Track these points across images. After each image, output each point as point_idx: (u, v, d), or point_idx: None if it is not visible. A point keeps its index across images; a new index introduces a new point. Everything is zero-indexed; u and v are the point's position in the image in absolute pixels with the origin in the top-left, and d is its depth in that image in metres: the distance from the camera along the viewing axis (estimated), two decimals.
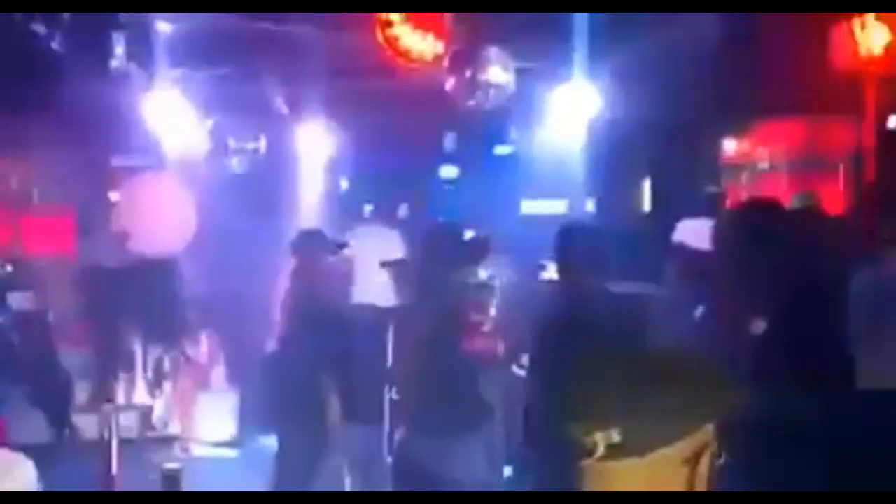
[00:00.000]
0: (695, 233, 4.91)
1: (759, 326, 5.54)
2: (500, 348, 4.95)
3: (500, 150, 8.97)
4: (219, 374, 8.10)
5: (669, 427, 1.32)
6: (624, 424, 1.30)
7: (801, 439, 4.73)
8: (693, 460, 1.35)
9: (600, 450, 1.30)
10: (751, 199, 6.25)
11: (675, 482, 1.34)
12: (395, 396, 5.08)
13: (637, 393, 1.32)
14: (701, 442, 1.36)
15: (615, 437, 1.30)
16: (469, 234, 4.98)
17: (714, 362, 1.42)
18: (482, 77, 6.45)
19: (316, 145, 8.37)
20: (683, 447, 1.34)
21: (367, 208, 7.68)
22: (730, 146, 8.21)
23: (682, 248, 5.23)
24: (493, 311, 5.07)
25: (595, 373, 1.35)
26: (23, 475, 2.29)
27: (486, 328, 4.91)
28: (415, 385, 4.69)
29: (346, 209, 8.10)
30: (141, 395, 7.65)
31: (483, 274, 5.11)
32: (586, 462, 1.31)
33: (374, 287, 5.50)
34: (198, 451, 7.62)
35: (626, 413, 1.31)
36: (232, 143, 8.08)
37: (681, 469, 1.34)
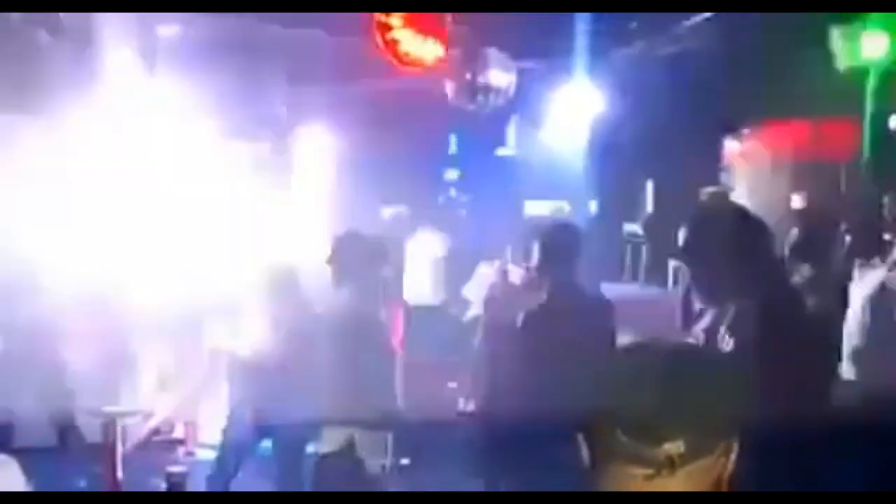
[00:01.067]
0: None
1: (761, 327, 5.53)
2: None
3: (502, 151, 8.96)
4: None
5: (717, 432, 1.34)
6: (685, 434, 1.30)
7: (800, 441, 4.74)
8: (723, 463, 1.35)
9: (676, 462, 1.30)
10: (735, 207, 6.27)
11: (708, 486, 1.35)
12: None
13: (687, 400, 1.32)
14: (729, 444, 1.37)
15: (682, 447, 1.30)
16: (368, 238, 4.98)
17: (731, 364, 1.44)
18: (483, 80, 6.45)
19: (317, 148, 8.38)
20: (722, 450, 1.35)
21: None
22: (732, 147, 8.20)
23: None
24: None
25: (642, 382, 1.34)
26: (8, 477, 2.28)
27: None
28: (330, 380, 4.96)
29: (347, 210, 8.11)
30: (145, 399, 7.65)
31: (387, 272, 5.12)
32: (658, 475, 1.30)
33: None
34: (202, 454, 7.62)
35: (685, 422, 1.31)
36: (235, 146, 8.09)
37: (713, 473, 1.34)
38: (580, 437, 1.37)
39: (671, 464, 1.29)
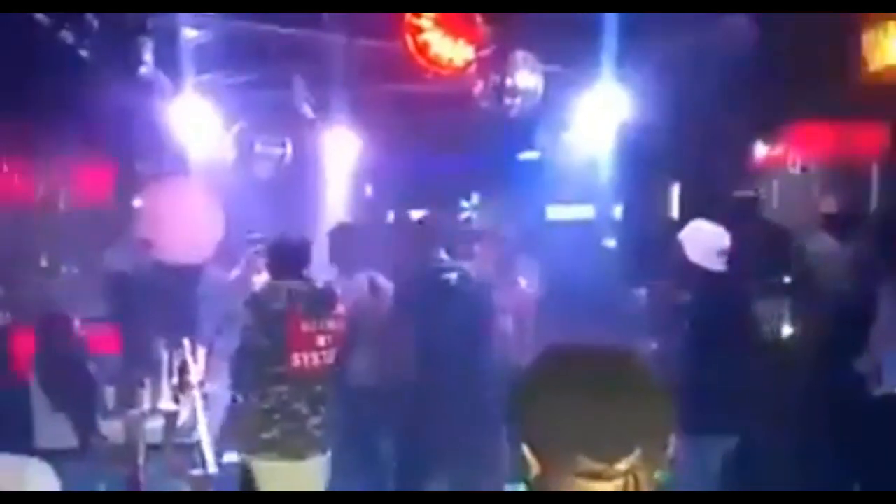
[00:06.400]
0: (695, 238, 4.74)
1: (788, 328, 5.50)
2: (332, 362, 4.66)
3: (528, 155, 8.91)
4: None
5: (665, 430, 1.36)
6: (639, 443, 1.33)
7: (827, 439, 4.71)
8: (667, 455, 1.39)
9: (630, 483, 1.33)
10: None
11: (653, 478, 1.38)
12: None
13: (635, 409, 1.34)
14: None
15: (634, 458, 1.33)
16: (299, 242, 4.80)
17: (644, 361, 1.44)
18: (510, 82, 6.41)
19: (342, 150, 8.35)
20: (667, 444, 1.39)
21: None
22: (760, 150, 8.13)
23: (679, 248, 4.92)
24: (332, 324, 4.65)
25: (586, 397, 1.34)
26: (38, 480, 2.24)
27: (322, 342, 4.59)
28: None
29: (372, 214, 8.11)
30: (166, 401, 7.64)
31: (320, 283, 4.74)
32: (626, 487, 1.33)
33: None
34: (224, 457, 7.59)
35: (638, 432, 1.34)
36: (258, 148, 8.08)
37: (660, 466, 1.38)
38: (526, 450, 1.37)
39: (635, 477, 1.32)
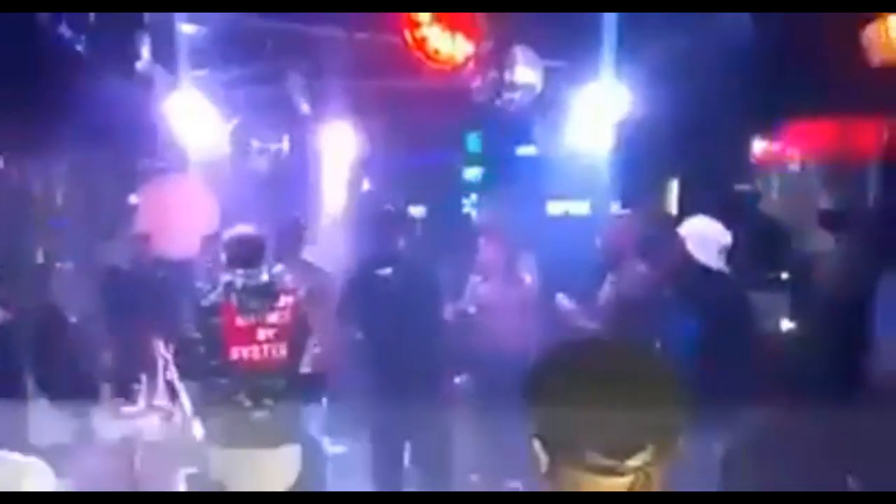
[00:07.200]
0: (696, 234, 4.73)
1: (790, 328, 5.48)
2: (281, 355, 4.73)
3: (525, 150, 8.89)
4: None
5: (676, 428, 1.36)
6: (651, 440, 1.32)
7: (826, 438, 4.70)
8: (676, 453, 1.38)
9: (641, 480, 1.32)
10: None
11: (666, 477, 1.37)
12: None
13: (647, 405, 1.33)
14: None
15: (646, 455, 1.31)
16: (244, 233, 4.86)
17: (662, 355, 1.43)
18: (509, 77, 6.38)
19: (339, 146, 8.33)
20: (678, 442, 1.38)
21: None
22: (760, 147, 8.12)
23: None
24: (275, 318, 4.73)
25: (600, 390, 1.32)
26: (38, 480, 2.24)
27: (262, 335, 4.67)
28: None
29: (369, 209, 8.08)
30: (162, 398, 7.61)
31: (265, 276, 4.79)
32: (636, 484, 1.32)
33: None
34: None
35: (650, 429, 1.32)
36: (255, 143, 8.05)
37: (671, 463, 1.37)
38: (537, 445, 1.36)
39: (646, 474, 1.31)
